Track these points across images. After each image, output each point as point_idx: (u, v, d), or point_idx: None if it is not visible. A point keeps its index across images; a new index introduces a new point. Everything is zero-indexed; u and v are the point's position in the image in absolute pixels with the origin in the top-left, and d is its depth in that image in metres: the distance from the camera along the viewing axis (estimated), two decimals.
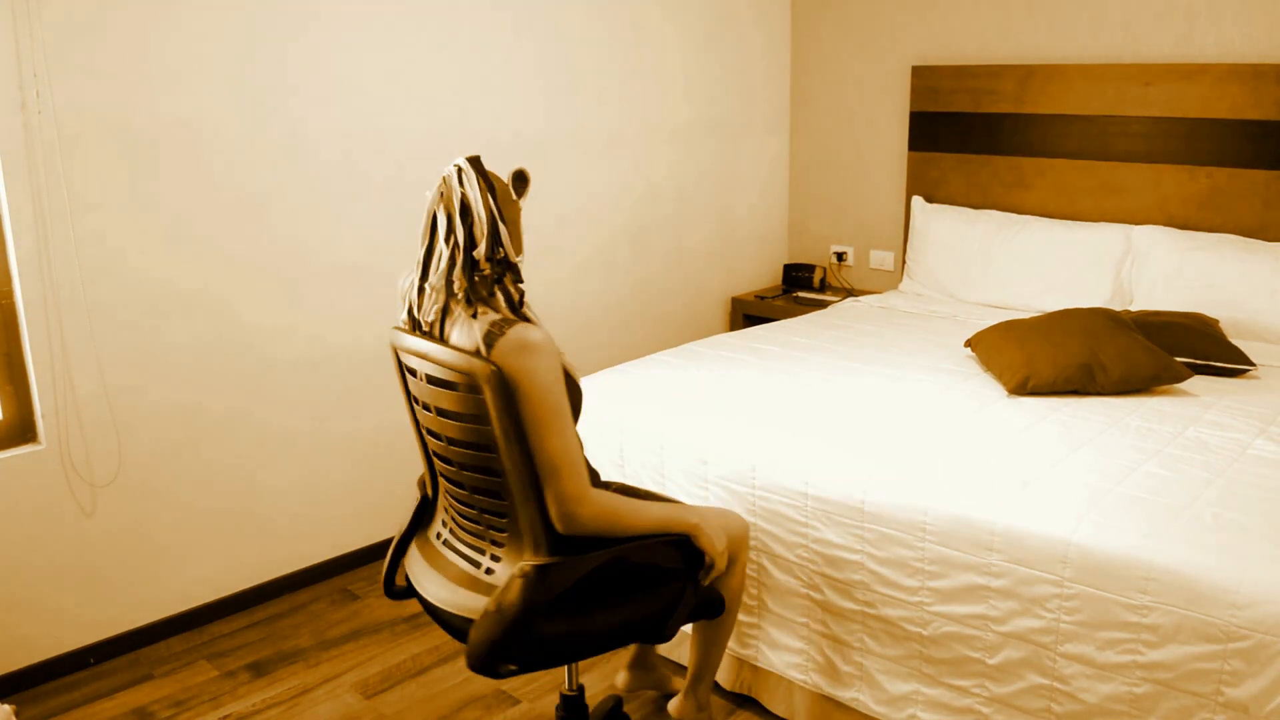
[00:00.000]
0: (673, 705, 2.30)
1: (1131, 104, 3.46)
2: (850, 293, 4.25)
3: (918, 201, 4.01)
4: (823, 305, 4.02)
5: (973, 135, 3.86)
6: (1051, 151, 3.68)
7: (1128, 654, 1.83)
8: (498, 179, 1.82)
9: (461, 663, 2.67)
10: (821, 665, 2.30)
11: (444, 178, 1.77)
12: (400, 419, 3.24)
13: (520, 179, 1.86)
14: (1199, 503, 1.98)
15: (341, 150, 3.00)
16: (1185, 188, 3.40)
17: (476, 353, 1.70)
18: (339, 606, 3.04)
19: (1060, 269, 3.49)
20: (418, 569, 1.98)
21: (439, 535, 2.00)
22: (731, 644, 2.45)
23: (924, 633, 2.10)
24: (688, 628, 2.41)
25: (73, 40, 2.46)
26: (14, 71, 2.38)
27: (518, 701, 2.55)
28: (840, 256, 4.41)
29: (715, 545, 1.90)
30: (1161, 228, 3.39)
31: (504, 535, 1.81)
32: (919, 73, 3.96)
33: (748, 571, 2.35)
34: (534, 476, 1.73)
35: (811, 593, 2.28)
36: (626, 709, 2.49)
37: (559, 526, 1.74)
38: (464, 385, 1.71)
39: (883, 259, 4.29)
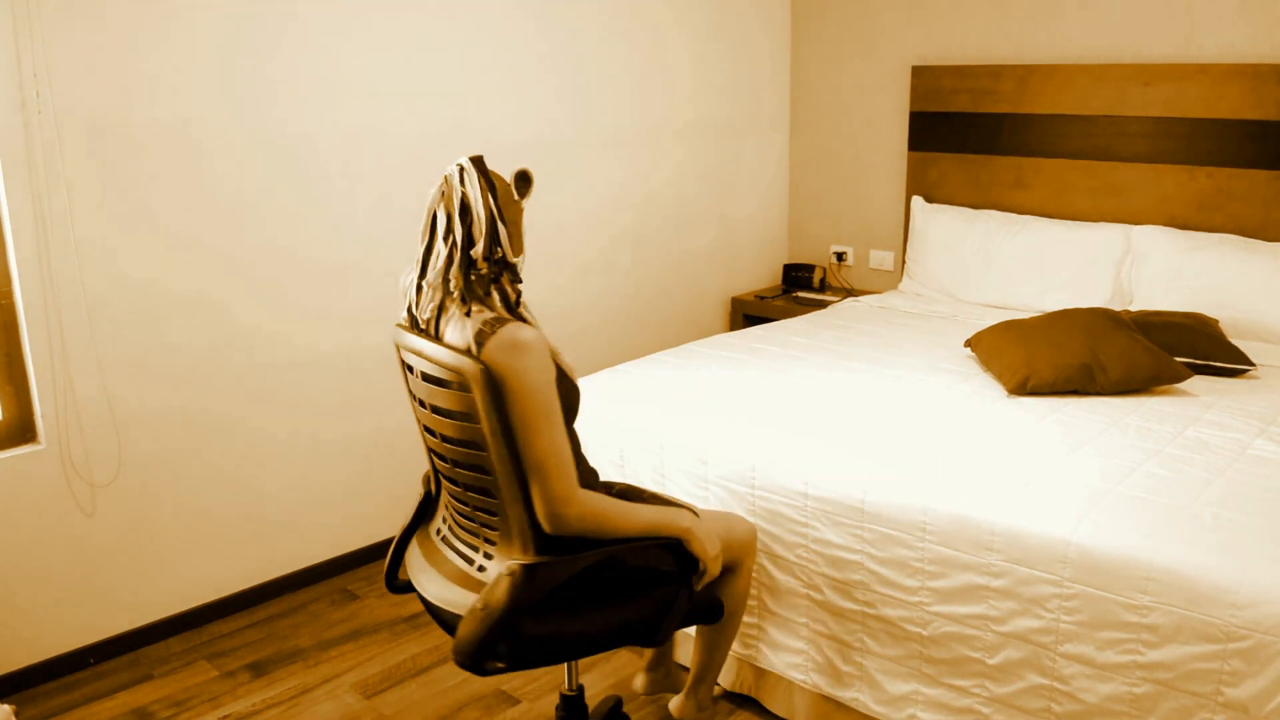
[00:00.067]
0: (674, 705, 2.30)
1: (1131, 104, 3.46)
2: (850, 293, 4.25)
3: (917, 201, 4.01)
4: (823, 305, 4.02)
5: (972, 135, 3.86)
6: (1051, 151, 3.68)
7: (1128, 654, 1.83)
8: (500, 179, 1.82)
9: None
10: (821, 665, 2.30)
11: (445, 176, 1.78)
12: (399, 419, 3.24)
13: (523, 179, 1.86)
14: (1199, 503, 1.98)
15: (341, 151, 3.00)
16: (1185, 188, 3.40)
17: (468, 351, 1.70)
18: (339, 606, 3.04)
19: (1060, 269, 3.49)
20: (416, 565, 1.98)
21: (439, 532, 2.01)
22: (732, 644, 2.45)
23: (924, 633, 2.10)
24: (691, 628, 2.41)
25: (73, 40, 2.46)
26: (14, 71, 2.38)
27: (518, 701, 2.55)
28: (840, 256, 4.41)
29: (707, 550, 1.89)
30: (1161, 228, 3.39)
31: (496, 534, 1.82)
32: (919, 73, 3.96)
33: None
34: (522, 475, 1.73)
35: (811, 593, 2.27)
36: (627, 709, 2.49)
37: (545, 526, 1.74)
38: (455, 383, 1.72)
39: (882, 259, 4.29)
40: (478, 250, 1.75)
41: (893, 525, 2.11)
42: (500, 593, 1.69)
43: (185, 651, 2.82)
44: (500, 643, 1.72)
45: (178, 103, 2.66)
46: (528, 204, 1.89)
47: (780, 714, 2.45)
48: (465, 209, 1.75)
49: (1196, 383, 2.70)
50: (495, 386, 1.68)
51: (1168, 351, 2.72)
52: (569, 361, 1.90)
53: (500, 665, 1.75)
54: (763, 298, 4.28)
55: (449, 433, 1.79)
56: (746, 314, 4.30)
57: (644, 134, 3.88)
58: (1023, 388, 2.62)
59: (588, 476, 1.94)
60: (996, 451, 2.27)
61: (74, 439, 2.61)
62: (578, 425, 1.99)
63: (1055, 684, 1.93)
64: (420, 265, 1.81)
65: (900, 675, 2.17)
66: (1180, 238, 3.31)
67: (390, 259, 3.14)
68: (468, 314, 1.74)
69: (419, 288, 1.82)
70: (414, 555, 2.01)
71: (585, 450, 2.15)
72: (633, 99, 3.81)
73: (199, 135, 2.71)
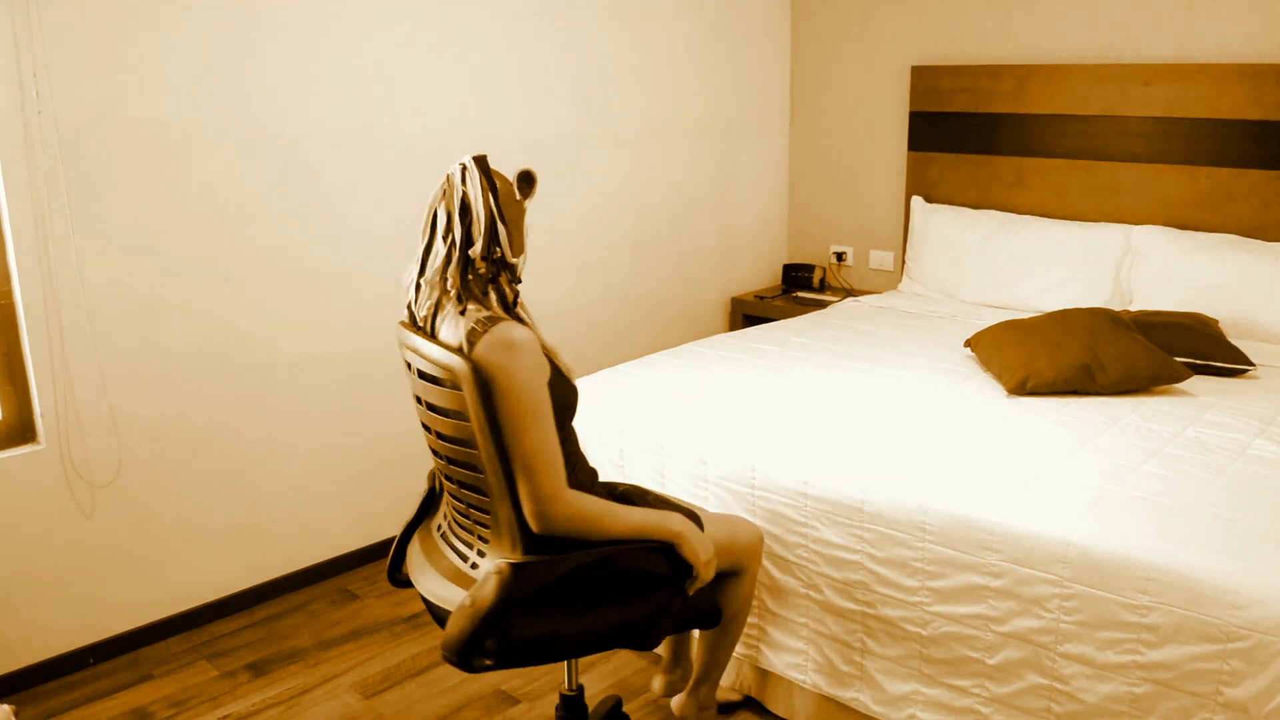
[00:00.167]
0: (675, 703, 2.30)
1: (1131, 104, 3.46)
2: (850, 293, 4.25)
3: (917, 201, 4.01)
4: (822, 305, 4.02)
5: (972, 135, 3.86)
6: (1051, 151, 3.68)
7: (1127, 654, 1.83)
8: (502, 178, 1.83)
9: None
10: (821, 665, 2.30)
11: (448, 175, 1.79)
12: (400, 419, 3.24)
13: (526, 179, 1.86)
14: (1199, 503, 1.98)
15: (342, 152, 3.00)
16: (1185, 188, 3.40)
17: (459, 349, 1.71)
18: (338, 606, 3.04)
19: (1060, 269, 3.49)
20: (416, 561, 2.00)
21: (439, 528, 2.02)
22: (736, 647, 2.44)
23: (924, 633, 2.10)
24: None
25: (73, 40, 2.46)
26: (14, 71, 2.38)
27: (517, 701, 2.55)
28: (840, 256, 4.41)
29: (699, 555, 1.88)
30: (1161, 228, 3.39)
31: (489, 531, 1.83)
32: (918, 73, 3.96)
33: None
34: (511, 474, 1.74)
35: (811, 593, 2.27)
36: (626, 709, 2.49)
37: (533, 525, 1.75)
38: (448, 381, 1.73)
39: (882, 259, 4.29)
40: (476, 249, 1.76)
41: (892, 525, 2.11)
42: (488, 591, 1.70)
43: (185, 652, 2.82)
44: (488, 640, 1.73)
45: (178, 104, 2.66)
46: (530, 204, 1.89)
47: (780, 714, 2.45)
48: (465, 208, 1.76)
49: (1196, 383, 2.70)
50: (485, 385, 1.69)
51: (1168, 351, 2.72)
52: (566, 361, 1.90)
53: (489, 663, 1.75)
54: (762, 298, 4.28)
55: (444, 430, 1.80)
56: (746, 314, 4.30)
57: (644, 134, 3.88)
58: (1022, 388, 2.62)
59: (587, 476, 1.95)
60: (996, 452, 2.27)
61: (74, 439, 2.61)
62: (577, 425, 1.99)
63: (1055, 684, 1.93)
64: (420, 263, 1.82)
65: (900, 675, 2.17)
66: (1180, 238, 3.31)
67: (392, 261, 3.14)
68: (463, 312, 1.75)
69: (418, 286, 1.83)
70: (414, 551, 2.03)
71: (585, 450, 2.15)
72: (632, 100, 3.81)
73: (199, 136, 2.71)
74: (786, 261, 4.61)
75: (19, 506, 2.56)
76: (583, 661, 2.66)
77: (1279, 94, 3.16)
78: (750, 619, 2.41)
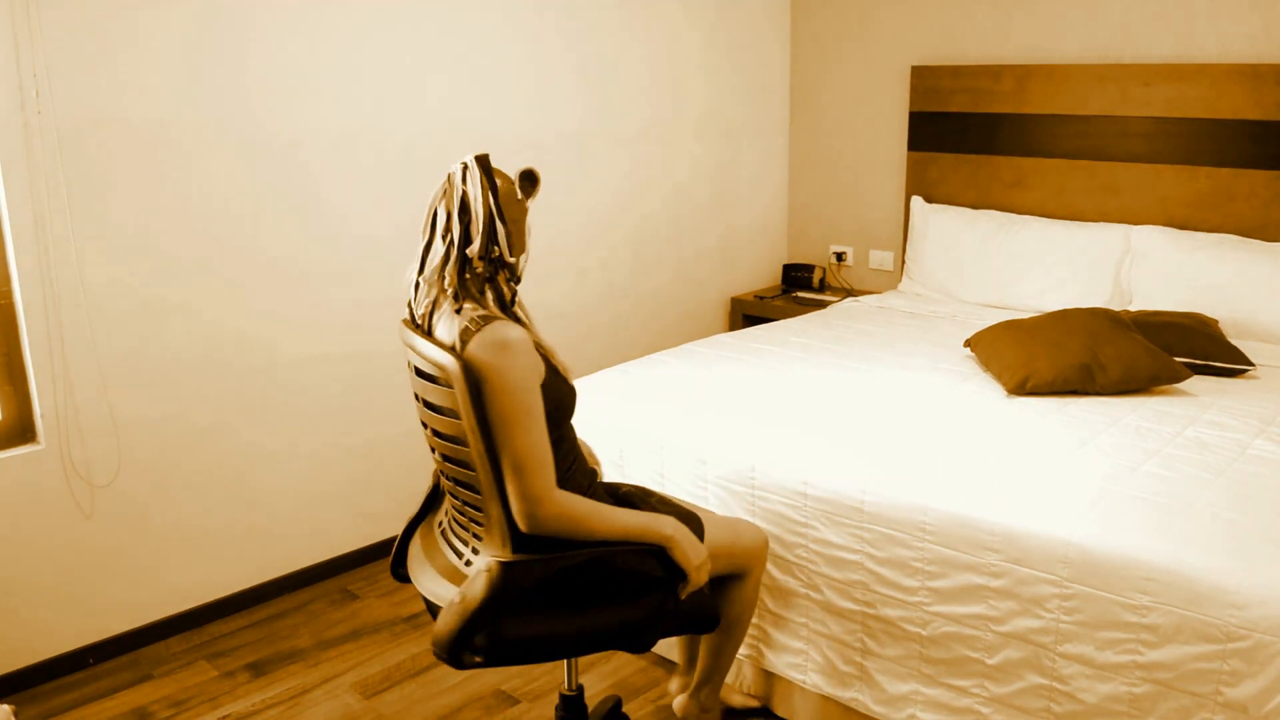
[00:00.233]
0: (677, 705, 2.30)
1: (1131, 104, 3.46)
2: (850, 293, 4.25)
3: (917, 201, 4.01)
4: (822, 305, 4.02)
5: (972, 135, 3.86)
6: (1051, 151, 3.68)
7: (1127, 654, 1.83)
8: (504, 177, 1.83)
9: None
10: (821, 665, 2.30)
11: (449, 174, 1.79)
12: (399, 419, 3.24)
13: (528, 178, 1.86)
14: (1199, 503, 1.98)
15: (343, 152, 3.00)
16: (1185, 188, 3.40)
17: (452, 348, 1.72)
18: (338, 606, 3.04)
19: (1059, 269, 3.49)
20: (416, 557, 2.01)
21: (440, 524, 2.03)
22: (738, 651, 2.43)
23: (923, 633, 2.10)
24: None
25: (73, 41, 2.46)
26: (14, 71, 2.38)
27: (517, 701, 2.55)
28: (840, 256, 4.41)
29: (690, 559, 1.86)
30: (1161, 228, 3.39)
31: (482, 530, 1.83)
32: (918, 73, 3.96)
33: None
34: (501, 473, 1.74)
35: (811, 593, 2.27)
36: (626, 709, 2.49)
37: (520, 524, 1.75)
38: (442, 379, 1.73)
39: (882, 259, 4.29)
40: (473, 248, 1.76)
41: (892, 525, 2.11)
42: (478, 588, 1.71)
43: (185, 652, 2.82)
44: (477, 638, 1.73)
45: (178, 104, 2.66)
46: (532, 203, 1.89)
47: (780, 714, 2.45)
48: (464, 207, 1.76)
49: (1196, 383, 2.70)
50: (475, 383, 1.70)
51: (1167, 351, 2.72)
52: (564, 361, 1.90)
53: (479, 660, 1.76)
54: (762, 298, 4.28)
55: (440, 428, 1.81)
56: (746, 314, 4.30)
57: (644, 135, 3.88)
58: (1022, 388, 2.62)
59: (585, 477, 1.94)
60: (996, 452, 2.27)
61: (73, 439, 2.61)
62: (577, 425, 1.99)
63: (1055, 684, 1.93)
64: (420, 261, 1.83)
65: (900, 675, 2.17)
66: (1180, 238, 3.31)
67: (392, 262, 3.14)
68: (458, 311, 1.76)
69: (417, 284, 1.84)
70: (415, 547, 2.04)
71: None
72: (633, 100, 3.81)
73: (199, 137, 2.71)
74: (786, 261, 4.61)
75: (19, 506, 2.56)
76: (582, 661, 2.66)
77: (1279, 94, 3.16)
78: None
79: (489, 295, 1.80)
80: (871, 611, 2.18)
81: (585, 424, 2.57)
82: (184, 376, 2.78)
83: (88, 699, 2.60)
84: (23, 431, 2.59)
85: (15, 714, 2.44)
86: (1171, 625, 1.77)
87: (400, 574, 2.07)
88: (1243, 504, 1.97)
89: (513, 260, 1.82)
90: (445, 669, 2.68)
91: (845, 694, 2.26)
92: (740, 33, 4.17)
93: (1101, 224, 3.52)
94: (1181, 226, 3.40)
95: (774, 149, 4.44)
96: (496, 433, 1.71)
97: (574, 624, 1.82)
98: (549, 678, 2.63)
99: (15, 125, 2.41)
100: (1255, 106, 3.21)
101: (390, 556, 2.10)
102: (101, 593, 2.73)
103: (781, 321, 3.58)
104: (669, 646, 2.67)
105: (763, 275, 4.52)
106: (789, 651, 2.35)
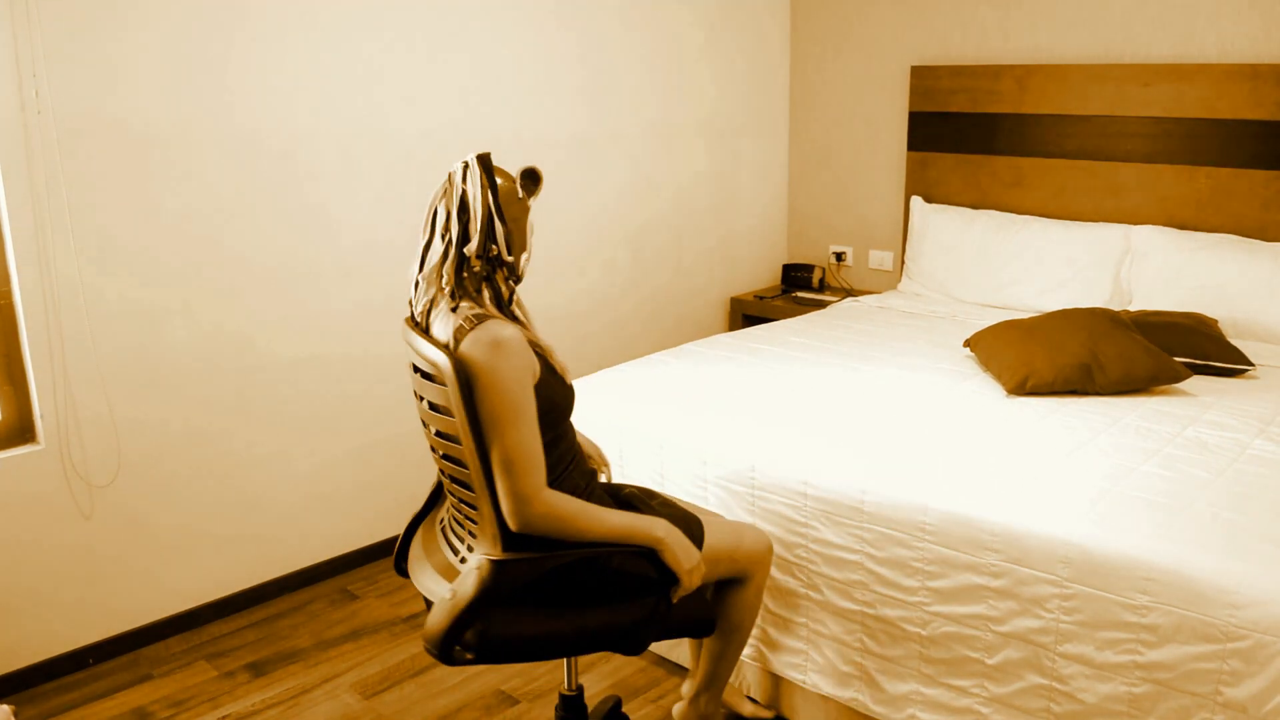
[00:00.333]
0: (677, 711, 2.29)
1: (1131, 104, 3.46)
2: (849, 293, 4.25)
3: (917, 201, 4.01)
4: (822, 305, 4.02)
5: (972, 135, 3.86)
6: (1050, 151, 3.68)
7: (1127, 654, 1.83)
8: (506, 175, 1.83)
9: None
10: (820, 665, 2.30)
11: (450, 173, 1.79)
12: (398, 420, 3.24)
13: (531, 177, 1.86)
14: (1199, 503, 1.98)
15: (342, 154, 3.00)
16: (1185, 188, 3.40)
17: (446, 346, 1.72)
18: (338, 606, 3.04)
19: (1059, 269, 3.49)
20: (415, 554, 2.02)
21: (441, 521, 2.03)
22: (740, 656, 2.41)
23: (923, 633, 2.10)
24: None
25: (73, 42, 2.46)
26: (14, 71, 2.38)
27: (517, 701, 2.55)
28: (839, 256, 4.41)
29: (680, 563, 1.85)
30: (1161, 228, 3.39)
31: (476, 527, 1.84)
32: (918, 73, 3.96)
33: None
34: (491, 471, 1.75)
35: (811, 593, 2.27)
36: (626, 709, 2.49)
37: (509, 523, 1.75)
38: (437, 377, 1.74)
39: (882, 259, 4.29)
40: (471, 247, 1.76)
41: (892, 525, 2.11)
42: (468, 585, 1.72)
43: (184, 652, 2.81)
44: (467, 634, 1.74)
45: (178, 106, 2.66)
46: (534, 203, 1.89)
47: (783, 714, 2.45)
48: (464, 205, 1.77)
49: (1196, 383, 2.70)
50: (467, 381, 1.70)
51: (1167, 351, 2.72)
52: (561, 360, 1.90)
53: (470, 656, 1.77)
54: (762, 298, 4.28)
55: (440, 426, 1.81)
56: (746, 314, 4.30)
57: (643, 135, 3.88)
58: (1022, 388, 2.62)
59: (583, 478, 1.94)
60: (996, 451, 2.27)
61: (73, 439, 2.61)
62: (577, 425, 1.99)
63: (1054, 684, 1.93)
64: (420, 260, 1.83)
65: (899, 675, 2.17)
66: (1180, 238, 3.31)
67: (391, 264, 3.14)
68: (455, 309, 1.77)
69: (417, 283, 1.85)
70: (416, 544, 2.04)
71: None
72: (633, 100, 3.81)
73: (199, 138, 2.71)
74: (786, 261, 4.61)
75: (18, 507, 2.56)
76: (582, 661, 2.66)
77: (1279, 94, 3.16)
78: None
79: (486, 294, 1.80)
80: (871, 611, 2.18)
81: (585, 424, 2.57)
82: (183, 377, 2.78)
83: (88, 699, 2.60)
84: (22, 432, 2.59)
85: (15, 714, 2.44)
86: (1171, 625, 1.77)
87: (403, 569, 2.08)
88: (1243, 504, 1.97)
89: (511, 259, 1.82)
90: (445, 669, 2.68)
91: (845, 694, 2.26)
92: (740, 33, 4.17)
93: (1101, 224, 3.52)
94: (1181, 226, 3.40)
95: (774, 149, 4.44)
96: (486, 431, 1.72)
97: (566, 624, 1.82)
98: (549, 678, 2.63)
99: (15, 126, 2.41)
100: (1255, 106, 3.21)
101: (394, 552, 2.10)
102: (101, 593, 2.73)
103: (781, 321, 3.58)
104: (672, 648, 2.67)
105: (762, 275, 4.52)
106: (788, 651, 2.35)
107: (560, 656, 1.90)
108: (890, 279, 4.26)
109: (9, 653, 2.60)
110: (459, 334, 1.72)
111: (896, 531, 2.10)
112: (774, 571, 2.32)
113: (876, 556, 2.14)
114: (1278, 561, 1.76)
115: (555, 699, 2.39)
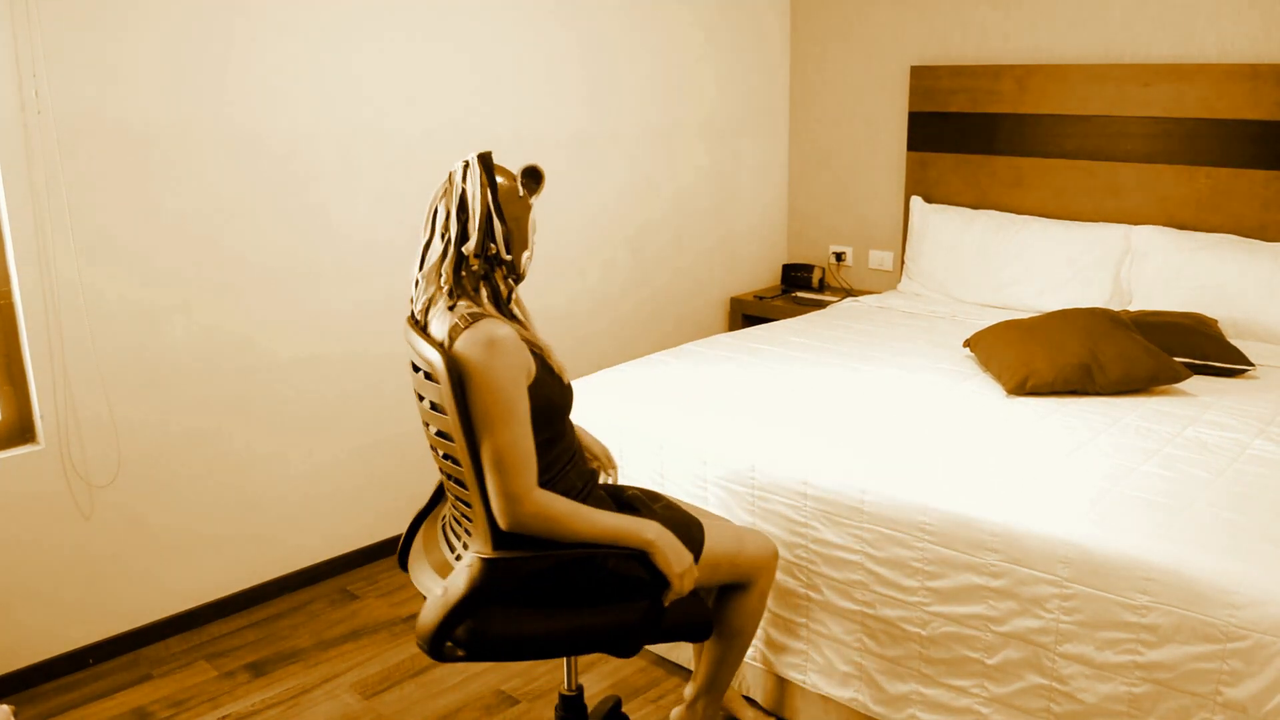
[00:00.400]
0: (675, 714, 2.29)
1: (1131, 104, 3.46)
2: (849, 293, 4.25)
3: (916, 202, 4.01)
4: (822, 305, 4.02)
5: (972, 135, 3.86)
6: (1050, 152, 3.68)
7: (1127, 654, 1.83)
8: (507, 174, 1.83)
9: (461, 663, 2.67)
10: (820, 666, 2.30)
11: (450, 172, 1.80)
12: (398, 420, 3.24)
13: (532, 176, 1.85)
14: (1199, 503, 1.98)
15: (342, 154, 3.00)
16: (1185, 188, 3.40)
17: (441, 344, 1.73)
18: (338, 606, 3.04)
19: (1059, 269, 3.49)
20: (416, 551, 2.03)
21: (442, 519, 2.04)
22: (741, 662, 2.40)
23: (923, 633, 2.10)
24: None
25: (72, 40, 2.46)
26: (14, 71, 2.38)
27: (516, 701, 2.55)
28: (839, 257, 4.41)
29: (671, 566, 1.83)
30: (1161, 228, 3.39)
31: (471, 525, 1.84)
32: (918, 73, 3.96)
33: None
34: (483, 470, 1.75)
35: (810, 593, 2.27)
36: (626, 709, 2.49)
37: (499, 521, 1.75)
38: (432, 375, 1.74)
39: (882, 259, 4.29)
40: (469, 246, 1.77)
41: (892, 525, 2.11)
42: (459, 583, 1.73)
43: (184, 652, 2.81)
44: (458, 631, 1.74)
45: (178, 106, 2.66)
46: (536, 201, 1.89)
47: (782, 714, 2.45)
48: (463, 204, 1.77)
49: (1196, 383, 2.70)
50: (460, 380, 1.70)
51: (1167, 351, 2.72)
52: (559, 360, 1.90)
53: (461, 653, 1.77)
54: (762, 298, 4.28)
55: (434, 423, 1.82)
56: (746, 314, 4.30)
57: (644, 135, 3.88)
58: (1022, 388, 2.62)
59: (581, 478, 1.94)
60: (996, 451, 2.27)
61: (73, 440, 2.61)
62: (581, 427, 1.99)
63: (1054, 684, 1.93)
64: (420, 259, 1.84)
65: (899, 675, 2.17)
66: (1179, 238, 3.31)
67: (391, 264, 3.14)
68: (452, 308, 1.77)
69: (417, 281, 1.85)
70: (418, 542, 2.05)
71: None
72: (632, 100, 3.81)
73: (198, 138, 2.71)
74: (786, 261, 4.61)
75: (18, 507, 2.56)
76: (582, 661, 2.66)
77: (1279, 94, 3.16)
78: None
79: (484, 292, 1.80)
80: (871, 611, 2.18)
81: (585, 424, 2.56)
82: (183, 377, 2.78)
83: (88, 699, 2.60)
84: (22, 432, 2.59)
85: (15, 714, 2.44)
86: (1171, 625, 1.77)
87: (406, 565, 2.08)
88: (1243, 504, 1.97)
89: (510, 257, 1.82)
90: (445, 669, 2.68)
91: (845, 694, 2.26)
92: (740, 33, 4.17)
93: (1101, 224, 3.52)
94: (1181, 226, 3.40)
95: (774, 149, 4.44)
96: (478, 429, 1.72)
97: (560, 624, 1.82)
98: (549, 678, 2.63)
99: (15, 126, 2.41)
100: (1255, 106, 3.21)
101: (397, 549, 2.11)
102: (101, 593, 2.73)
103: (781, 321, 3.58)
104: (673, 648, 2.67)
105: (762, 275, 4.52)
106: (789, 652, 2.35)
107: (553, 656, 1.90)
108: (890, 279, 4.26)
109: (9, 653, 2.60)
110: (454, 332, 1.73)
111: (896, 531, 2.10)
112: None
113: (876, 556, 2.14)
114: (1278, 561, 1.76)
115: (555, 699, 2.39)
